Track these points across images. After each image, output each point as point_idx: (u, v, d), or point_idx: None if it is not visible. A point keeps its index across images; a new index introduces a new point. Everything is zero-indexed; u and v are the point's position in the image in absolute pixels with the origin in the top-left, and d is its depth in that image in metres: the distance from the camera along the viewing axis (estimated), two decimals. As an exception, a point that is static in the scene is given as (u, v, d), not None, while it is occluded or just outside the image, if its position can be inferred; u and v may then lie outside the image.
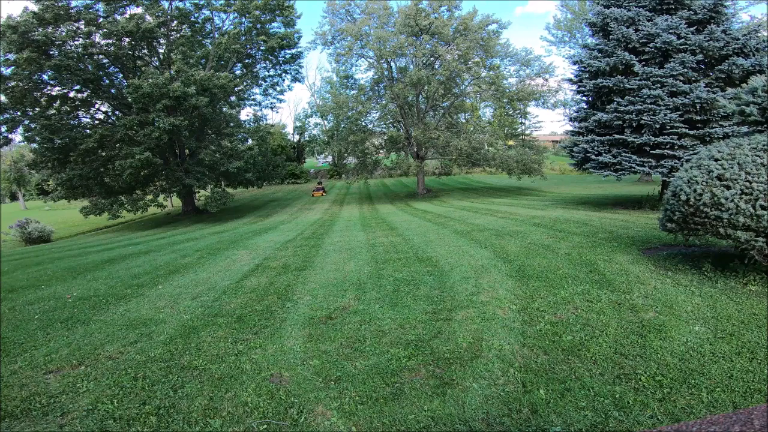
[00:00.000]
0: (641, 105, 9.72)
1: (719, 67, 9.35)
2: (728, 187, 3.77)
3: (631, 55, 10.07)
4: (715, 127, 9.44)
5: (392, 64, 23.58)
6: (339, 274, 5.63)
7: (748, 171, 3.71)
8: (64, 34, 18.06)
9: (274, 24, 24.59)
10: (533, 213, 10.84)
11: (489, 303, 4.02)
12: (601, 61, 10.42)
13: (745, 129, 5.44)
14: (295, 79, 28.82)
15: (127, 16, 19.19)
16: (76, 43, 18.79)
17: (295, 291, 4.96)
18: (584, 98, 12.01)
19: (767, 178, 3.58)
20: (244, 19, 23.06)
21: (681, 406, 2.29)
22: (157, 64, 21.75)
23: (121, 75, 21.34)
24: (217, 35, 23.10)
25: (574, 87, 12.19)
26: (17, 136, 22.39)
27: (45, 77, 18.98)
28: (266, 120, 32.17)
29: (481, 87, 22.89)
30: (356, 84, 25.98)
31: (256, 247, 8.55)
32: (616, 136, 10.15)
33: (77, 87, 19.87)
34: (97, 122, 21.81)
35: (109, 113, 22.35)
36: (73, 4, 18.47)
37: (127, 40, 19.19)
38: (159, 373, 3.06)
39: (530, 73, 22.95)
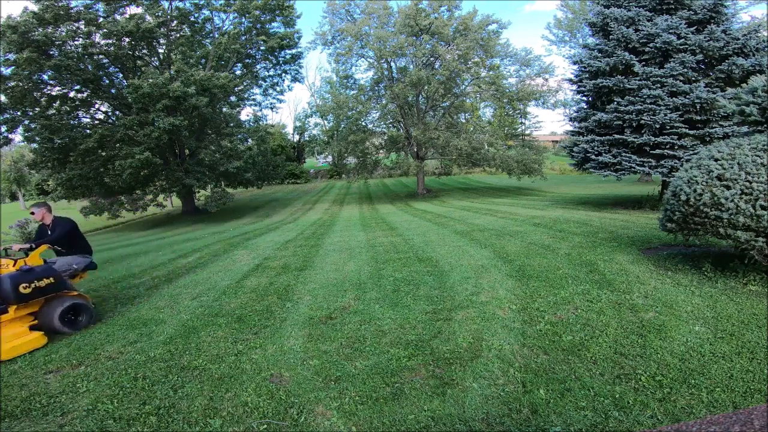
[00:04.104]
0: (641, 105, 9.72)
1: (719, 67, 9.35)
2: (728, 187, 3.77)
3: (631, 55, 10.07)
4: (715, 127, 9.44)
5: (392, 64, 23.57)
6: (339, 274, 5.63)
7: (748, 171, 3.71)
8: (64, 34, 18.05)
9: (274, 24, 24.57)
10: (533, 213, 10.84)
11: (489, 303, 4.02)
12: (601, 61, 10.42)
13: (745, 129, 5.44)
14: (295, 79, 28.80)
15: (127, 16, 19.18)
16: (76, 43, 18.77)
17: (295, 291, 4.96)
18: (584, 98, 12.00)
19: (767, 178, 3.58)
20: (244, 19, 23.05)
21: (681, 406, 2.29)
22: (157, 64, 21.74)
23: (121, 75, 21.32)
24: (217, 35, 23.08)
25: (574, 87, 12.19)
26: (17, 136, 22.36)
27: (45, 77, 18.96)
28: (266, 120, 32.16)
29: (481, 87, 22.89)
30: (356, 84, 25.93)
31: (256, 247, 8.55)
32: (616, 136, 10.15)
33: (77, 87, 19.84)
34: (97, 122, 21.80)
35: (109, 113, 22.34)
36: (73, 4, 18.46)
37: (127, 40, 19.17)
38: (159, 373, 3.06)
39: (530, 73, 22.93)
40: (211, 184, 22.46)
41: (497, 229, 8.26)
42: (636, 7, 10.40)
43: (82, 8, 18.40)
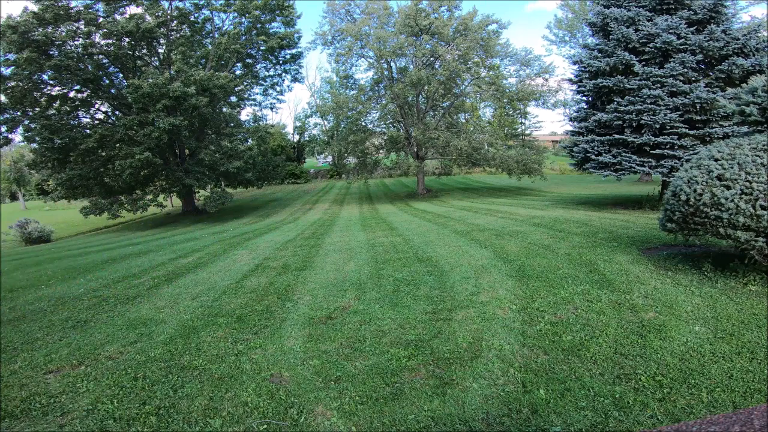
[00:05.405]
0: (641, 105, 9.72)
1: (719, 67, 9.35)
2: (728, 187, 3.77)
3: (631, 55, 10.07)
4: (715, 127, 9.44)
5: (392, 64, 23.56)
6: (339, 274, 5.63)
7: (748, 171, 3.71)
8: (64, 34, 18.04)
9: (274, 24, 24.58)
10: (533, 213, 10.84)
11: (489, 303, 4.02)
12: (601, 61, 10.42)
13: (745, 129, 5.44)
14: (295, 79, 28.81)
15: (126, 16, 19.18)
16: (76, 43, 18.76)
17: (295, 291, 4.96)
18: (584, 98, 12.00)
19: (767, 178, 3.58)
20: (243, 19, 23.05)
21: (681, 406, 2.29)
22: (157, 64, 21.74)
23: (121, 75, 21.32)
24: (217, 35, 23.09)
25: (574, 87, 12.19)
26: (17, 136, 22.37)
27: (45, 77, 18.95)
28: (266, 120, 32.16)
29: (481, 87, 22.87)
30: (356, 84, 25.92)
31: (256, 247, 8.55)
32: (616, 136, 10.15)
33: (77, 87, 19.84)
34: (97, 122, 21.80)
35: (109, 113, 22.34)
36: (73, 4, 18.46)
37: (127, 40, 19.17)
38: (159, 373, 3.06)
39: (530, 73, 22.93)
40: (211, 184, 22.47)
41: (497, 229, 8.26)
42: (636, 7, 10.39)
43: (82, 8, 18.40)
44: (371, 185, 32.34)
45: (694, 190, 3.99)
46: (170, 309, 4.58)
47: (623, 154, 10.05)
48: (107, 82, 21.12)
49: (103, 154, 20.08)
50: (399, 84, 21.47)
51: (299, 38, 25.09)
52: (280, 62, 26.93)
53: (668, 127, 9.62)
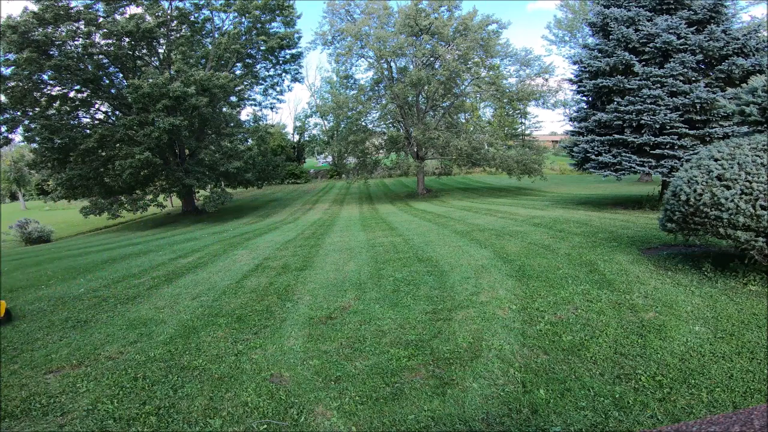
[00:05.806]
0: (641, 105, 9.72)
1: (719, 67, 9.35)
2: (728, 187, 3.77)
3: (631, 55, 10.07)
4: (715, 127, 9.44)
5: (392, 64, 23.57)
6: (339, 274, 5.63)
7: (748, 171, 3.71)
8: (64, 34, 18.04)
9: (274, 24, 24.60)
10: (533, 213, 10.84)
11: (489, 303, 4.02)
12: (601, 61, 10.41)
13: (745, 129, 5.44)
14: (295, 79, 28.83)
15: (127, 16, 19.18)
16: (76, 43, 18.77)
17: (295, 291, 4.96)
18: (584, 98, 12.00)
19: (767, 178, 3.58)
20: (244, 19, 23.06)
21: (681, 406, 2.29)
22: (157, 64, 21.74)
23: (121, 75, 21.32)
24: (217, 35, 23.10)
25: (574, 87, 12.19)
26: (17, 136, 22.38)
27: (45, 77, 18.96)
28: (266, 120, 32.20)
29: (481, 87, 22.86)
30: (356, 84, 25.93)
31: (256, 247, 8.55)
32: (616, 136, 10.15)
33: (77, 87, 19.84)
34: (97, 122, 21.80)
35: (109, 113, 22.34)
36: (73, 4, 18.45)
37: (127, 40, 19.17)
38: (159, 373, 3.06)
39: (530, 73, 22.92)
40: (211, 184, 22.49)
41: (497, 229, 8.26)
42: (636, 7, 10.39)
43: (82, 8, 18.40)
44: (371, 185, 32.33)
45: (694, 190, 3.99)
46: (170, 309, 4.58)
47: (623, 154, 10.05)
48: (107, 82, 21.12)
49: (103, 154, 20.08)
50: (399, 84, 21.47)
51: (299, 38, 25.12)
52: (280, 62, 26.95)
53: (668, 127, 9.62)
